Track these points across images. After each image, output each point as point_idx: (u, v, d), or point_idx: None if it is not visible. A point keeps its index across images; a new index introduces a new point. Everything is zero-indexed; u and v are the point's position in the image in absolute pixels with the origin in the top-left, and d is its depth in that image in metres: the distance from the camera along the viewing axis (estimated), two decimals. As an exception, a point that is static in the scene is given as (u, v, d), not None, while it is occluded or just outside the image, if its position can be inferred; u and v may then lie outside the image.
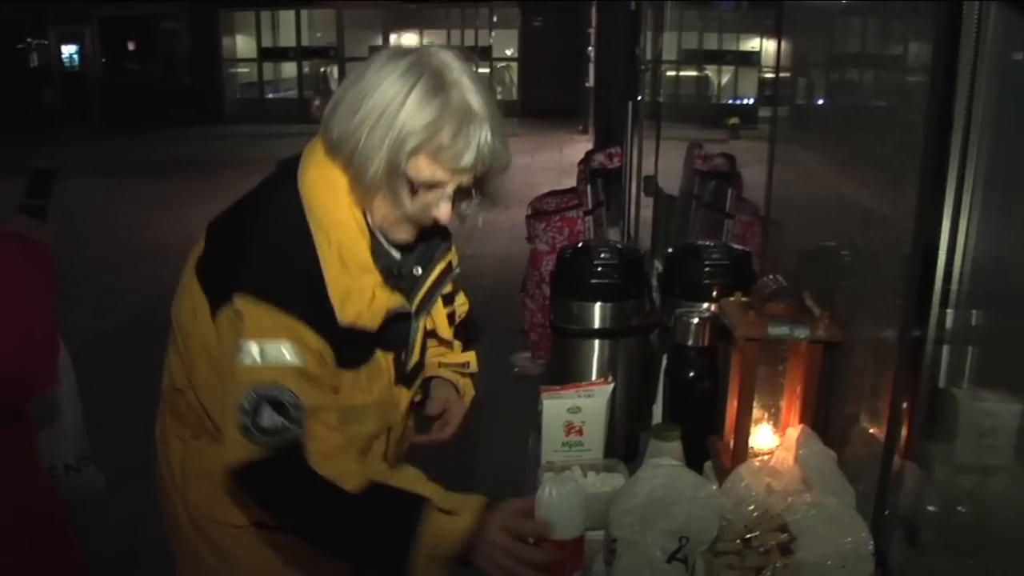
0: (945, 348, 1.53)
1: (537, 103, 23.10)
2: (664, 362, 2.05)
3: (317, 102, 20.87)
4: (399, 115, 1.45)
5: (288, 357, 1.48)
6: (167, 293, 1.72)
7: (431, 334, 1.81)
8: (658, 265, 2.22)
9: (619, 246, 2.19)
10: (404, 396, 1.75)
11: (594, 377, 2.09)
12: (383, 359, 1.67)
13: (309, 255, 1.52)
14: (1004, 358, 1.48)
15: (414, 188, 1.52)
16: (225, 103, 23.35)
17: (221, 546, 1.75)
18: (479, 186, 1.62)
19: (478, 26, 24.78)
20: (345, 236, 1.55)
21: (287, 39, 24.39)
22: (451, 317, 1.88)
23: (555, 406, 1.91)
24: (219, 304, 1.51)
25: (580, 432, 1.92)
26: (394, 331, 1.65)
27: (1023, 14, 1.35)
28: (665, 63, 6.88)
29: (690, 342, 1.97)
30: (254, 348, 1.47)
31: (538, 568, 1.44)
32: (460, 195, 1.59)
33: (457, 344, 1.93)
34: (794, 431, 1.72)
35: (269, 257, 1.53)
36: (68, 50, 23.10)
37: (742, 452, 1.76)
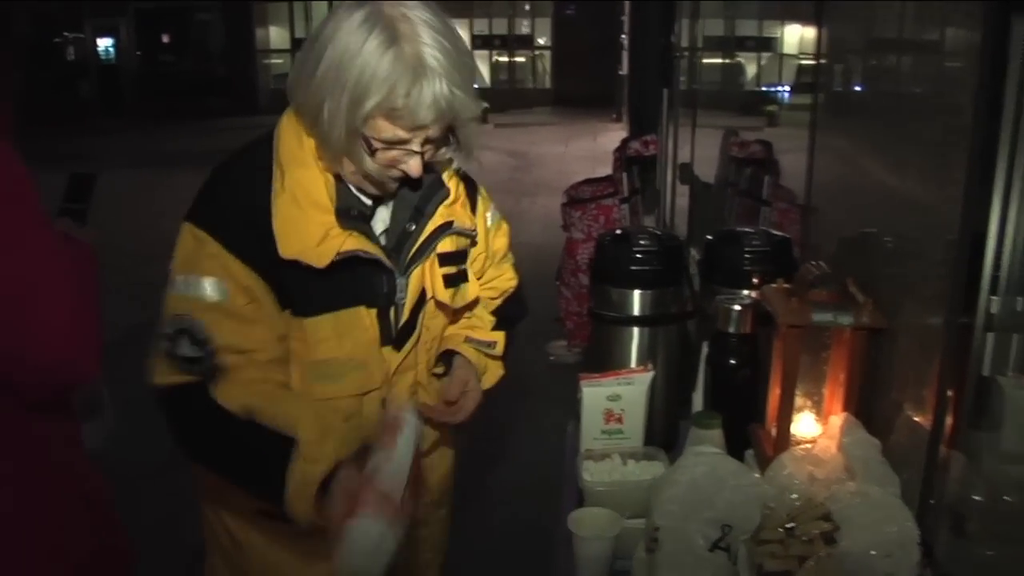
0: (989, 336, 1.51)
1: (570, 92, 23.06)
2: (704, 349, 2.03)
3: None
4: (351, 74, 1.43)
5: (207, 292, 1.52)
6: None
7: (443, 306, 1.75)
8: (694, 253, 2.21)
9: (658, 233, 2.17)
10: (393, 358, 1.68)
11: (633, 365, 2.08)
12: (365, 315, 1.62)
13: (260, 190, 1.54)
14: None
15: (372, 148, 1.50)
16: (259, 94, 23.49)
17: (233, 533, 1.77)
18: (454, 132, 1.60)
19: (511, 15, 24.73)
20: (304, 176, 1.55)
21: (320, 29, 24.41)
22: (503, 300, 1.88)
23: (594, 394, 1.90)
24: None
25: (620, 420, 1.91)
26: (363, 281, 1.61)
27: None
28: (700, 50, 6.81)
29: (731, 329, 1.95)
30: (180, 279, 1.54)
31: None
32: (434, 144, 1.57)
33: (488, 320, 1.88)
34: (837, 419, 1.70)
35: (222, 191, 1.58)
36: (104, 43, 23.32)
37: (784, 440, 1.75)
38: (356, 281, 1.60)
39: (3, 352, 1.38)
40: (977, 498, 1.52)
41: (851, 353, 1.70)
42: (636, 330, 2.10)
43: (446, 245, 1.71)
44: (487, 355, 1.84)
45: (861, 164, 2.16)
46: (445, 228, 1.69)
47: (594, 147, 15.11)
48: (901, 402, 1.69)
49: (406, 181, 1.60)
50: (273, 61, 24.59)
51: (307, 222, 1.52)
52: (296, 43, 24.19)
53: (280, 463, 1.46)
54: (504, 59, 25.36)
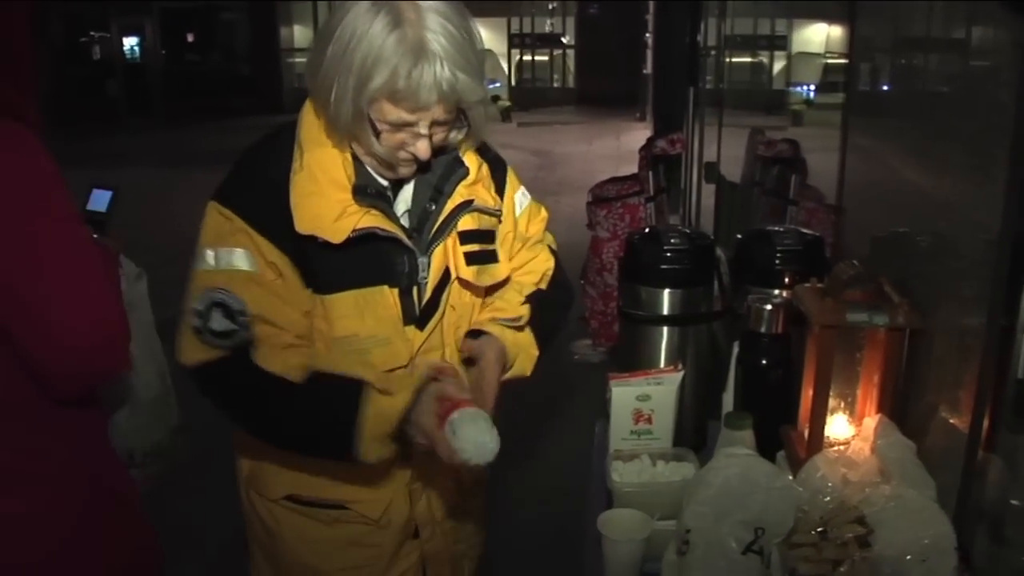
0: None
1: (594, 91, 23.01)
2: (735, 349, 2.01)
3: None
4: (357, 55, 1.46)
5: (241, 263, 1.55)
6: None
7: (468, 285, 1.73)
8: (720, 252, 2.19)
9: (688, 232, 2.15)
10: (417, 337, 1.68)
11: (663, 364, 2.06)
12: (388, 294, 1.62)
13: (283, 168, 1.57)
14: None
15: (377, 130, 1.53)
16: (284, 92, 23.52)
17: (264, 518, 1.79)
18: (462, 114, 1.62)
19: (534, 13, 24.72)
20: (322, 154, 1.58)
21: (344, 28, 24.47)
22: (548, 285, 1.87)
23: (624, 393, 1.89)
24: None
25: (649, 420, 1.90)
26: (384, 260, 1.62)
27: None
28: (726, 49, 6.80)
29: (763, 329, 1.93)
30: (209, 254, 1.57)
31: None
32: (443, 127, 1.58)
33: (516, 302, 1.80)
34: (871, 421, 1.68)
35: (246, 171, 1.63)
36: (129, 42, 23.41)
37: (817, 442, 1.72)
38: (377, 260, 1.61)
39: (33, 345, 1.39)
40: (1015, 503, 1.49)
41: (886, 354, 1.68)
42: (666, 329, 2.08)
43: (467, 223, 1.70)
44: (514, 328, 1.77)
45: (894, 162, 2.13)
46: (465, 206, 1.69)
47: (618, 146, 15.08)
48: (937, 404, 1.66)
49: (424, 163, 1.62)
50: (297, 60, 24.58)
51: (324, 198, 1.55)
52: (320, 42, 24.28)
53: (349, 405, 1.52)
54: (528, 58, 25.36)
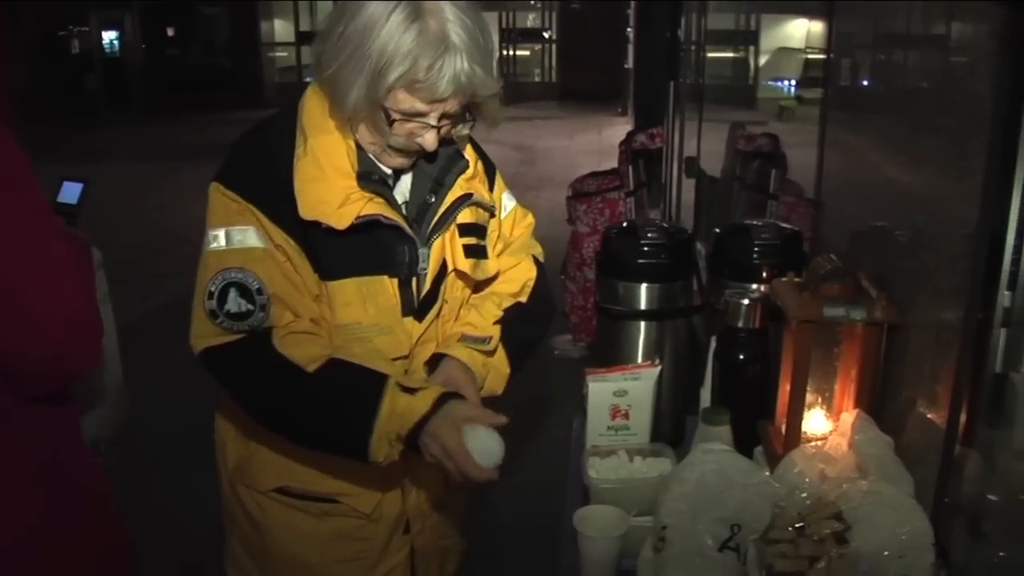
0: (1002, 332, 1.47)
1: (576, 86, 23.01)
2: (712, 344, 2.00)
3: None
4: (375, 45, 1.45)
5: (252, 241, 1.54)
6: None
7: (464, 277, 1.74)
8: (700, 247, 2.19)
9: (666, 226, 2.14)
10: (415, 328, 1.69)
11: (640, 360, 2.05)
12: (388, 284, 1.63)
13: (285, 154, 1.57)
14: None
15: (390, 119, 1.53)
16: (264, 87, 23.45)
17: (251, 510, 1.77)
18: (471, 109, 1.62)
19: (515, 9, 24.68)
20: (326, 141, 1.58)
21: (325, 22, 24.42)
22: (528, 297, 1.85)
23: (601, 389, 1.87)
24: None
25: (626, 416, 1.88)
26: (385, 250, 1.62)
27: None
28: (706, 44, 6.80)
29: (740, 324, 1.92)
30: (220, 233, 1.56)
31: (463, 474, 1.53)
32: (450, 120, 1.58)
33: (490, 316, 1.77)
34: (849, 416, 1.67)
35: (248, 156, 1.63)
36: (109, 36, 23.25)
37: (795, 437, 1.71)
38: (379, 249, 1.62)
39: (3, 343, 1.36)
40: (993, 497, 1.49)
41: (863, 349, 1.67)
42: (643, 324, 2.08)
43: (466, 216, 1.72)
44: (483, 352, 1.74)
45: (873, 156, 2.12)
46: (465, 199, 1.70)
47: (599, 141, 15.09)
48: (914, 399, 1.66)
49: (423, 155, 1.63)
50: (278, 55, 24.54)
51: (328, 184, 1.55)
52: (301, 36, 24.18)
53: (370, 396, 1.52)
54: (508, 52, 25.33)
